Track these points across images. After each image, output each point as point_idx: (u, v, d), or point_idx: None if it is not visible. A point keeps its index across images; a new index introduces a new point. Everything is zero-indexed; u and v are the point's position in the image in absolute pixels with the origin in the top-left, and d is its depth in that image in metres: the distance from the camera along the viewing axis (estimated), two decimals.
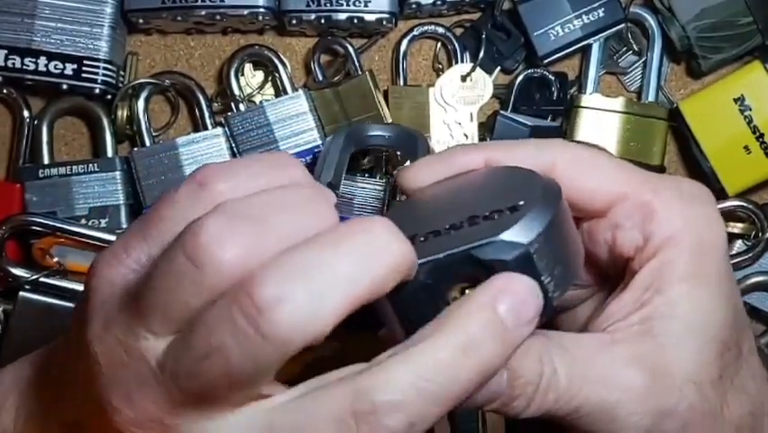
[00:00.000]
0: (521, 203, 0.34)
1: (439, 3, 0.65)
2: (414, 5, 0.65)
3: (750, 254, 0.65)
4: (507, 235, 0.33)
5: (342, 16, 0.64)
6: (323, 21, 0.65)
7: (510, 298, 0.32)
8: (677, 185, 0.38)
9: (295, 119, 0.65)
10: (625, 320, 0.37)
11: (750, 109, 0.64)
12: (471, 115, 0.66)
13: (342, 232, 0.31)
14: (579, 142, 0.64)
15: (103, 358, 0.33)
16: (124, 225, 0.65)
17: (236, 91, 0.66)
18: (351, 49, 0.66)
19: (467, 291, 0.34)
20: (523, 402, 0.35)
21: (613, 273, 0.40)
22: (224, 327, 0.30)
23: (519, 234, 0.33)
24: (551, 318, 0.36)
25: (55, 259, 0.64)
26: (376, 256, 0.31)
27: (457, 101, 0.66)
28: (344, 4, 0.64)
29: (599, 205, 0.38)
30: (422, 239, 0.35)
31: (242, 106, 0.66)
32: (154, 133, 0.67)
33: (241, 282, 0.30)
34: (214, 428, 0.32)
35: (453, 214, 0.35)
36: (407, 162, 0.57)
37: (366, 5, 0.64)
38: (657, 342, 0.36)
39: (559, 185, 0.36)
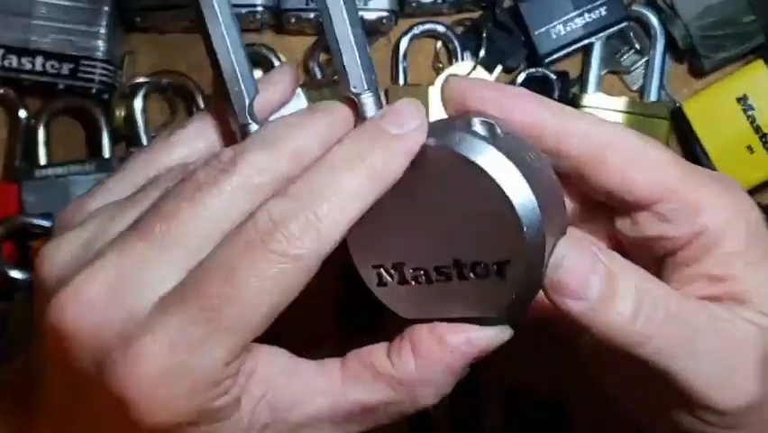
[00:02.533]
0: (508, 263, 0.34)
1: (439, 1, 0.65)
2: (414, 4, 0.65)
3: None
4: (499, 313, 0.35)
5: None
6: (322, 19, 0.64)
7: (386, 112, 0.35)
8: (718, 177, 0.38)
9: None
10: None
11: (753, 108, 0.64)
12: None
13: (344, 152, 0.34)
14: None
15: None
16: None
17: None
18: None
19: None
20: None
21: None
22: (236, 246, 0.31)
23: (512, 311, 0.35)
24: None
25: None
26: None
27: None
28: None
29: (645, 200, 0.37)
30: (411, 270, 0.35)
31: None
32: (152, 133, 0.66)
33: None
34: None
35: (439, 244, 0.35)
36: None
37: (366, 4, 0.64)
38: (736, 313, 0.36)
39: (539, 214, 0.34)
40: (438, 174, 0.34)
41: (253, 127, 0.35)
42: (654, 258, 0.38)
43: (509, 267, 0.33)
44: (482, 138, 0.34)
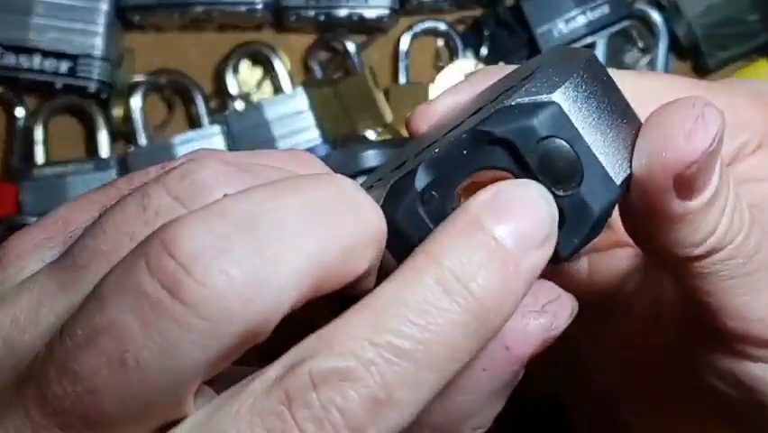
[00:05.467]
0: (536, 67, 0.26)
1: None
2: (415, 2, 0.65)
3: None
4: (524, 96, 0.24)
5: (342, 13, 0.64)
6: (322, 17, 0.64)
7: (509, 209, 0.22)
8: (743, 84, 0.34)
9: (293, 117, 0.64)
10: None
11: None
12: None
13: (305, 181, 0.22)
14: None
15: None
16: None
17: (233, 89, 0.66)
18: (350, 46, 0.66)
19: None
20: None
21: None
22: (122, 295, 0.19)
23: (541, 89, 0.24)
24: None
25: None
26: (353, 218, 0.22)
27: None
28: (344, 0, 0.64)
29: None
30: (417, 152, 0.26)
31: (239, 104, 0.65)
32: (150, 132, 0.66)
33: (158, 230, 0.20)
34: None
35: (461, 120, 0.27)
36: None
37: (366, 1, 0.64)
38: None
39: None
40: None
41: None
42: None
43: (538, 68, 0.26)
44: None
